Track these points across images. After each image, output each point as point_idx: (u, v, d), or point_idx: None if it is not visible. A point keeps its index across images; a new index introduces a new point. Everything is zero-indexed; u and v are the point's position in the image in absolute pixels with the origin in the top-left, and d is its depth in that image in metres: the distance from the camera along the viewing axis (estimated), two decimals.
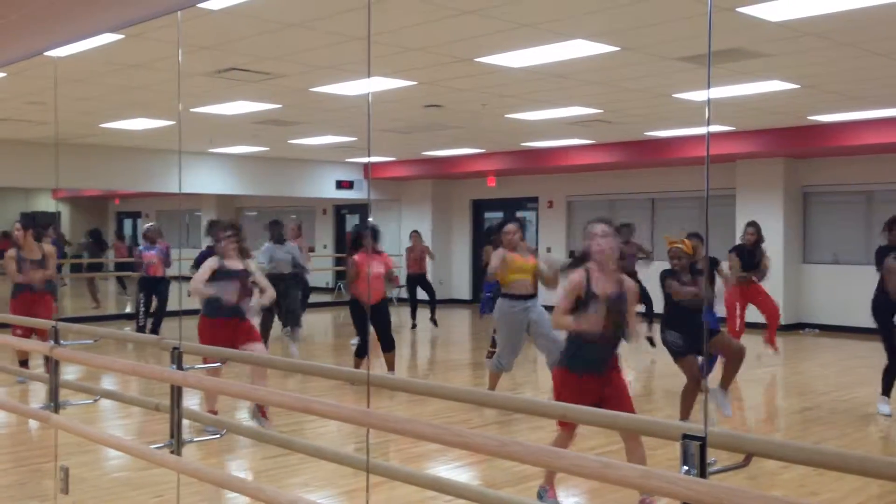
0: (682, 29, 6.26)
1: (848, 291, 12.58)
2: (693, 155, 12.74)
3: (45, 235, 9.09)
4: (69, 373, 7.36)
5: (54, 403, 4.31)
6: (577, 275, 4.41)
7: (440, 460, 5.65)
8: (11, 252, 8.27)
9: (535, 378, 9.00)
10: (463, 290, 17.92)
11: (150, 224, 11.68)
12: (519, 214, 17.61)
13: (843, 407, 7.45)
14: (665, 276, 6.25)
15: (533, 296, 7.06)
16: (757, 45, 6.77)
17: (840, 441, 6.31)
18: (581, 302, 4.37)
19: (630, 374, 9.53)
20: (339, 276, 18.30)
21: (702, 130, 11.65)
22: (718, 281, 7.90)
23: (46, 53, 5.13)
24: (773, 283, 12.61)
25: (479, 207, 18.08)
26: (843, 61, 7.37)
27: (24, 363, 8.01)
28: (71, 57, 6.97)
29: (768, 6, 5.64)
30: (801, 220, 13.34)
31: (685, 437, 2.00)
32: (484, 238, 9.47)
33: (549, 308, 5.04)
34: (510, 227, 7.08)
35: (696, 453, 1.98)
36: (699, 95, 8.95)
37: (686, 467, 1.98)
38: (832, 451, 1.95)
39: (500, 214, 17.94)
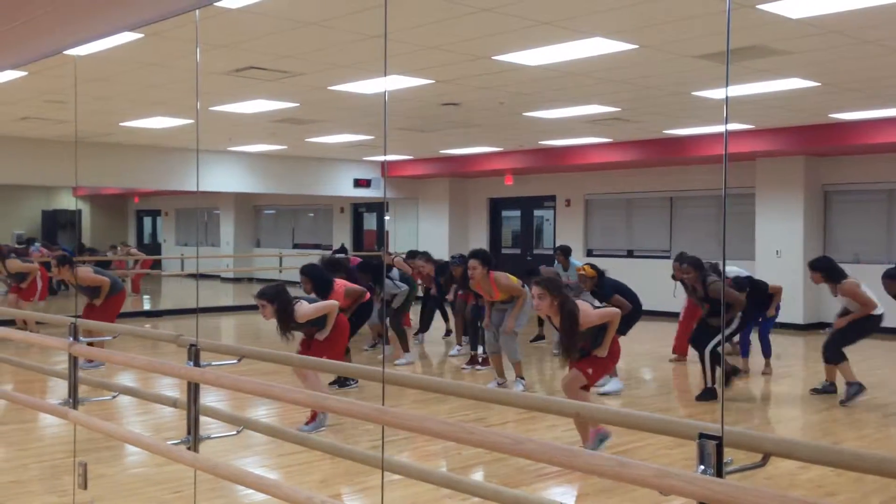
0: (701, 26, 6.22)
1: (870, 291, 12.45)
2: (712, 153, 12.66)
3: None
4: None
5: (73, 399, 4.34)
6: None
7: (455, 458, 5.64)
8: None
9: (548, 377, 8.98)
10: None
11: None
12: (537, 213, 17.61)
13: (864, 407, 7.38)
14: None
15: (508, 300, 8.07)
16: (777, 43, 6.71)
17: (860, 442, 6.26)
18: None
19: (647, 373, 9.49)
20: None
21: (721, 128, 11.58)
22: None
23: (66, 52, 5.17)
24: (793, 283, 12.58)
25: (496, 206, 18.06)
26: (865, 59, 7.29)
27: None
28: (90, 56, 7.02)
29: (788, 3, 5.58)
30: (821, 219, 13.22)
31: (702, 436, 1.98)
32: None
33: None
34: (471, 262, 8.12)
35: (712, 453, 1.97)
36: (718, 93, 8.89)
37: (703, 466, 1.97)
38: (850, 451, 1.93)
39: (517, 213, 17.95)
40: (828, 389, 7.87)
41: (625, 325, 7.91)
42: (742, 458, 2.03)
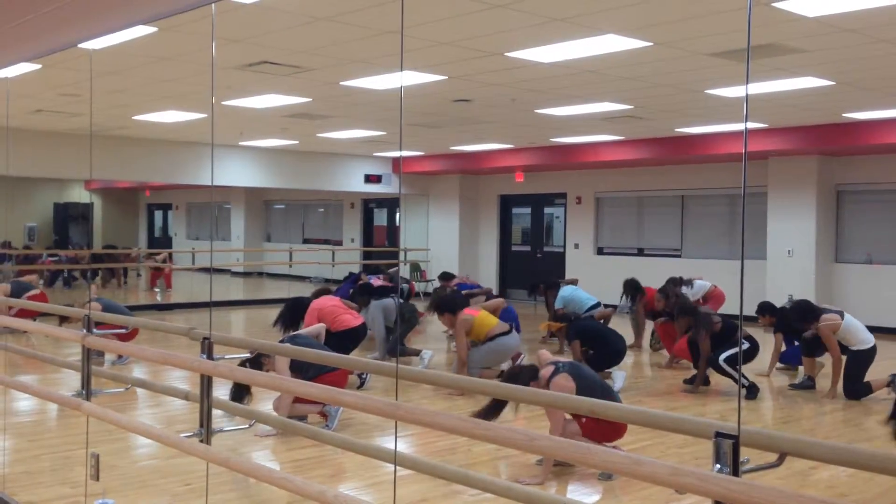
0: (715, 24, 6.19)
1: (881, 291, 12.41)
2: (724, 152, 12.62)
3: None
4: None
5: (86, 391, 4.36)
6: None
7: (465, 455, 5.64)
8: None
9: None
10: (490, 285, 17.88)
11: None
12: (548, 210, 17.58)
13: (876, 408, 7.34)
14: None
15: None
16: (792, 41, 6.68)
17: (871, 444, 6.23)
18: None
19: (650, 371, 9.47)
20: (365, 269, 18.39)
21: (734, 127, 11.52)
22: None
23: (81, 45, 5.18)
24: (804, 283, 12.54)
25: (507, 203, 18.05)
26: (880, 58, 7.25)
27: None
28: (105, 49, 7.04)
29: (804, 1, 5.56)
30: (833, 218, 13.15)
31: (718, 434, 1.97)
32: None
33: None
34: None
35: (728, 452, 1.96)
36: (731, 91, 8.85)
37: (718, 465, 1.96)
38: (866, 451, 1.91)
39: (527, 210, 17.92)
40: (805, 384, 8.17)
41: (602, 364, 8.18)
42: (756, 458, 2.02)
